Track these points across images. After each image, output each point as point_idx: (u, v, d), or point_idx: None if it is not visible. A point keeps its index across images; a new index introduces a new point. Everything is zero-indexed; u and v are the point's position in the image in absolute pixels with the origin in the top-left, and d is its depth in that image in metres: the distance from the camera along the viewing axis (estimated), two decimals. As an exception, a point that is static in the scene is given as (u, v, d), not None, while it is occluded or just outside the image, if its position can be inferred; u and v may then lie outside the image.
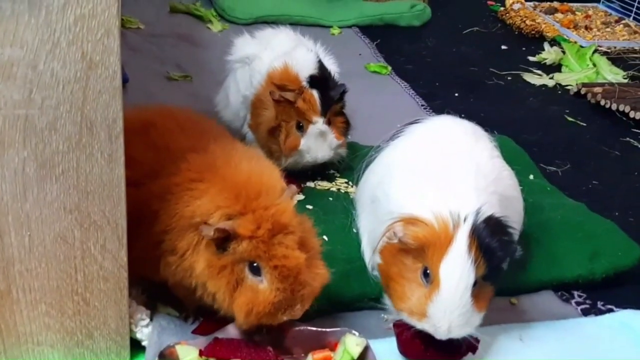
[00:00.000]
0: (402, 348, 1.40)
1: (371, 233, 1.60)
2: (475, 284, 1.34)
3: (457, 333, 1.33)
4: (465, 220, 1.33)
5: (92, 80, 1.11)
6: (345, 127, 2.02)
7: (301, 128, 1.93)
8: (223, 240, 1.28)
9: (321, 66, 2.01)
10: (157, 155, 1.42)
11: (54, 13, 1.05)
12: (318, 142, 1.94)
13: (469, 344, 1.37)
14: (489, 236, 1.33)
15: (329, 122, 1.95)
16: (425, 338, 1.38)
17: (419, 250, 1.35)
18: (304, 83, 1.93)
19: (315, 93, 1.92)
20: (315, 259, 1.36)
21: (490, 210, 1.38)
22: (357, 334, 1.36)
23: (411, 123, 1.76)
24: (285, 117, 1.93)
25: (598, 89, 2.87)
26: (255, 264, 1.28)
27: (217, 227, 1.25)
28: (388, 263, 1.41)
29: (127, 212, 1.25)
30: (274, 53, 2.08)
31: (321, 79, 1.97)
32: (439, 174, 1.46)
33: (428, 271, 1.34)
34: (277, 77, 1.97)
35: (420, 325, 1.34)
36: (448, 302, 1.31)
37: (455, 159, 1.51)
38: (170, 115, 1.57)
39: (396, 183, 1.54)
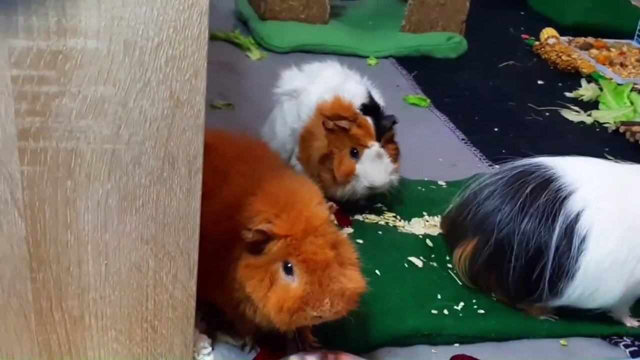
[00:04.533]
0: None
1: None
2: None
3: None
4: None
5: (177, 118, 1.16)
6: (397, 154, 2.03)
7: (356, 154, 1.94)
8: (262, 243, 1.34)
9: (371, 97, 2.05)
10: (214, 178, 1.49)
11: (147, 54, 1.10)
12: (374, 165, 1.94)
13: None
14: None
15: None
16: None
17: None
18: (358, 110, 1.96)
19: (369, 119, 1.95)
20: (351, 270, 1.39)
21: None
22: (413, 369, 1.38)
23: None
24: (338, 144, 1.94)
25: (637, 128, 2.88)
26: (289, 265, 1.33)
27: (256, 228, 1.32)
28: None
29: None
30: (322, 87, 2.11)
31: (373, 108, 2.00)
32: None
33: None
34: (328, 108, 1.99)
35: None
36: None
37: None
38: (229, 140, 1.67)
39: None
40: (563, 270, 1.62)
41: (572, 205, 1.64)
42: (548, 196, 1.66)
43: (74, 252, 1.22)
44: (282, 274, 1.34)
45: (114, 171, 1.17)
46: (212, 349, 1.46)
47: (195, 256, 1.29)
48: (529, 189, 1.68)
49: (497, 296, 1.75)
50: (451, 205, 1.88)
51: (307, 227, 1.33)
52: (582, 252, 1.62)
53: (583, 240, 1.62)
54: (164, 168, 1.19)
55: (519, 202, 1.67)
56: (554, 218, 1.63)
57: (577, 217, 1.63)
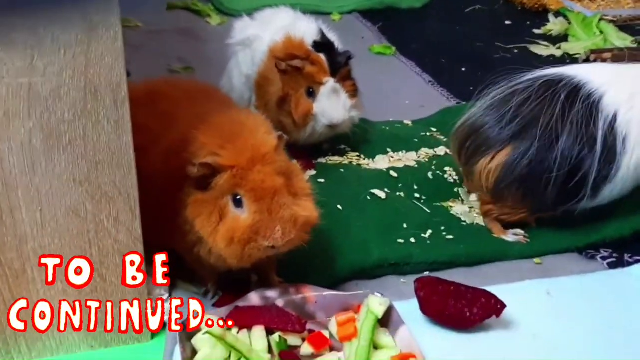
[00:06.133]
0: (423, 306, 1.37)
1: None
2: None
3: None
4: None
5: (93, 43, 1.09)
6: (355, 91, 1.95)
7: (312, 94, 1.87)
8: (209, 177, 1.28)
9: (323, 34, 1.98)
10: (163, 121, 1.45)
11: (51, -26, 1.03)
12: (331, 102, 1.86)
13: (494, 308, 1.34)
14: None
15: None
16: (444, 295, 1.35)
17: None
18: (310, 48, 1.89)
19: (322, 56, 1.88)
20: (304, 200, 1.33)
21: None
22: (379, 295, 1.33)
23: None
24: (294, 85, 1.87)
25: (607, 55, 2.82)
26: (238, 197, 1.27)
27: (201, 162, 1.25)
28: None
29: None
30: (274, 30, 2.04)
31: (326, 44, 1.93)
32: None
33: None
34: (280, 49, 1.92)
35: None
36: None
37: None
38: (178, 86, 1.62)
39: None
40: (606, 172, 1.61)
41: (607, 107, 1.62)
42: (583, 102, 1.63)
43: (4, 199, 1.16)
44: (231, 207, 1.28)
45: (33, 107, 1.11)
46: (169, 296, 1.39)
47: (135, 195, 1.22)
48: (563, 96, 1.63)
49: (515, 211, 1.68)
50: (466, 115, 1.78)
51: (254, 156, 1.27)
52: (623, 152, 1.61)
53: (624, 140, 1.61)
54: (86, 100, 1.12)
55: (557, 109, 1.63)
56: (595, 122, 1.61)
57: (615, 118, 1.62)
